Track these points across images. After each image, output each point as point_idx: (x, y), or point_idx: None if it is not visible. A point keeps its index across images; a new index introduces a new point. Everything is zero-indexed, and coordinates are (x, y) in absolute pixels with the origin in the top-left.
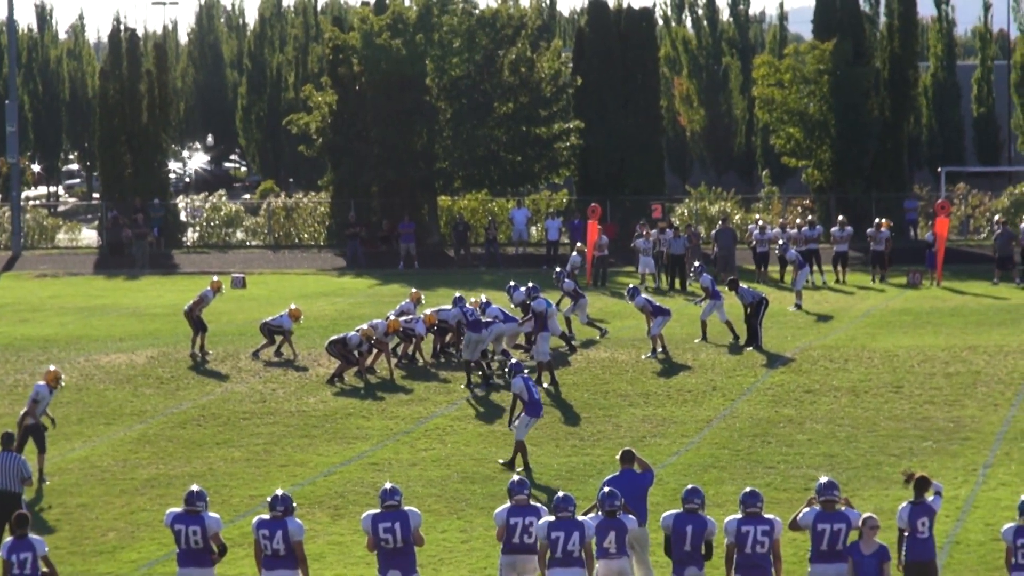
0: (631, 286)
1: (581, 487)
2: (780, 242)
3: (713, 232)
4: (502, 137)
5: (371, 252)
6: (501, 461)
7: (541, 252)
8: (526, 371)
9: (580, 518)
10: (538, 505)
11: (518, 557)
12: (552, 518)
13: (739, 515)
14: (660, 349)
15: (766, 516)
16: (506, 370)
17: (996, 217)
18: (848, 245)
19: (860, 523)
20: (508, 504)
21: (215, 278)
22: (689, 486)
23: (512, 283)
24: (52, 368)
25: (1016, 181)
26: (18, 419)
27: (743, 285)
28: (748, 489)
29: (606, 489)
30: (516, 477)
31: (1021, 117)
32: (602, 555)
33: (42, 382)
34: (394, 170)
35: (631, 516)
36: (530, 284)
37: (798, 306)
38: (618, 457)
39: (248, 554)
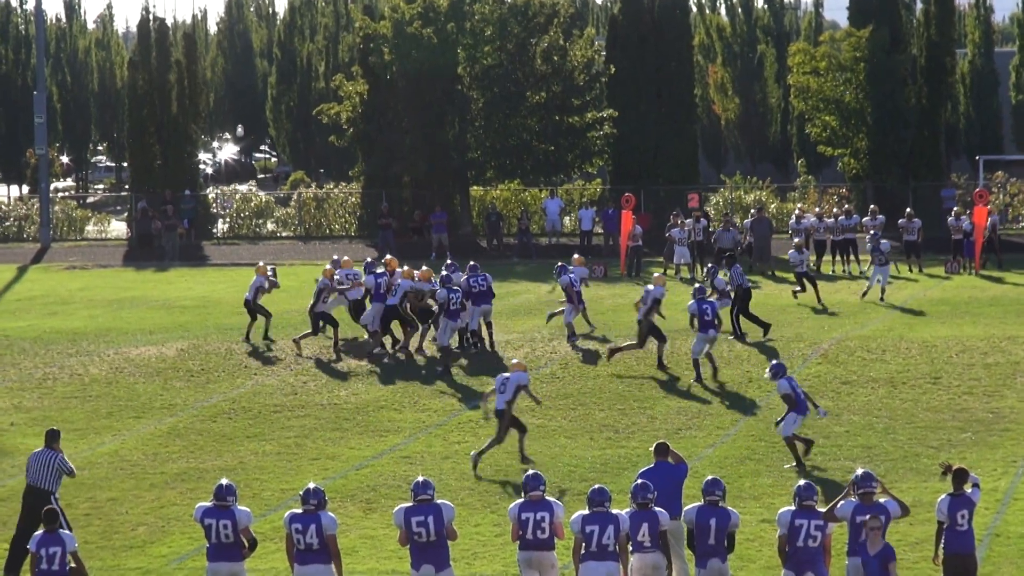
0: (559, 264)
1: (616, 480)
2: (871, 232)
3: (747, 221)
4: (535, 126)
5: (403, 243)
6: (792, 465)
7: (575, 242)
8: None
9: (614, 511)
10: (551, 500)
11: (533, 554)
12: (586, 511)
13: (793, 507)
14: (573, 335)
15: (820, 510)
16: (767, 371)
17: (989, 206)
18: (880, 234)
19: (863, 522)
20: (520, 500)
21: (328, 266)
22: (709, 477)
23: (561, 264)
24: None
25: None
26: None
27: (737, 266)
28: (804, 482)
29: (639, 481)
30: (531, 471)
31: None
32: (636, 548)
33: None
34: (426, 160)
35: (662, 509)
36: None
37: (881, 299)
38: (652, 449)
39: (279, 548)
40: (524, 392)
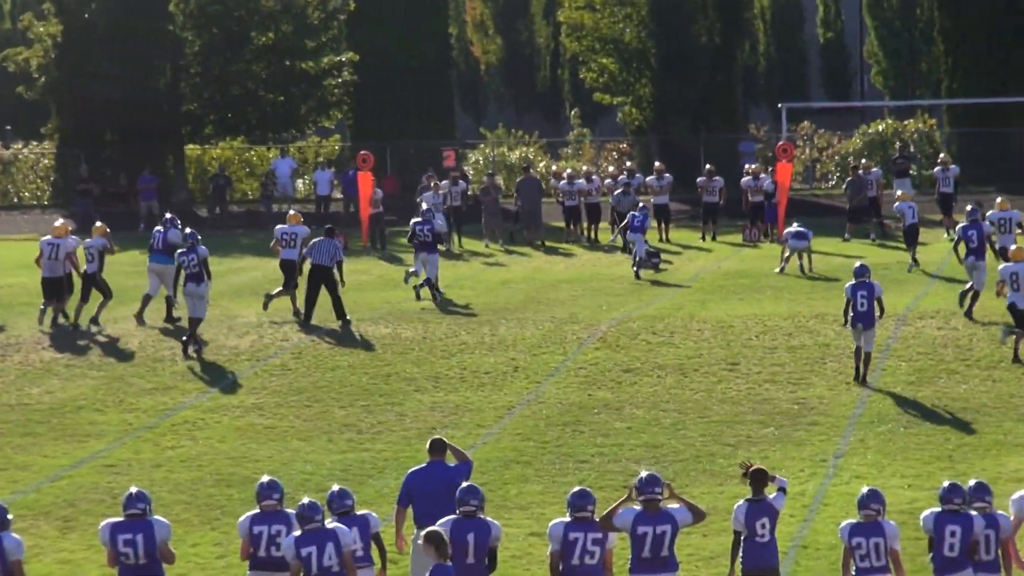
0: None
1: (359, 489)
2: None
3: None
4: (261, 73)
5: (106, 212)
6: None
7: (310, 209)
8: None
9: (331, 526)
10: (289, 511)
11: (264, 575)
12: (301, 530)
13: (567, 518)
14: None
15: (594, 521)
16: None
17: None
18: (668, 196)
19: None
20: (253, 511)
21: (99, 223)
22: (464, 484)
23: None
24: None
25: (869, 119)
26: None
27: (333, 240)
28: (578, 488)
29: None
30: (266, 478)
31: (875, 43)
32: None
33: None
34: (132, 114)
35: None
36: None
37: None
38: (427, 447)
39: None
40: None
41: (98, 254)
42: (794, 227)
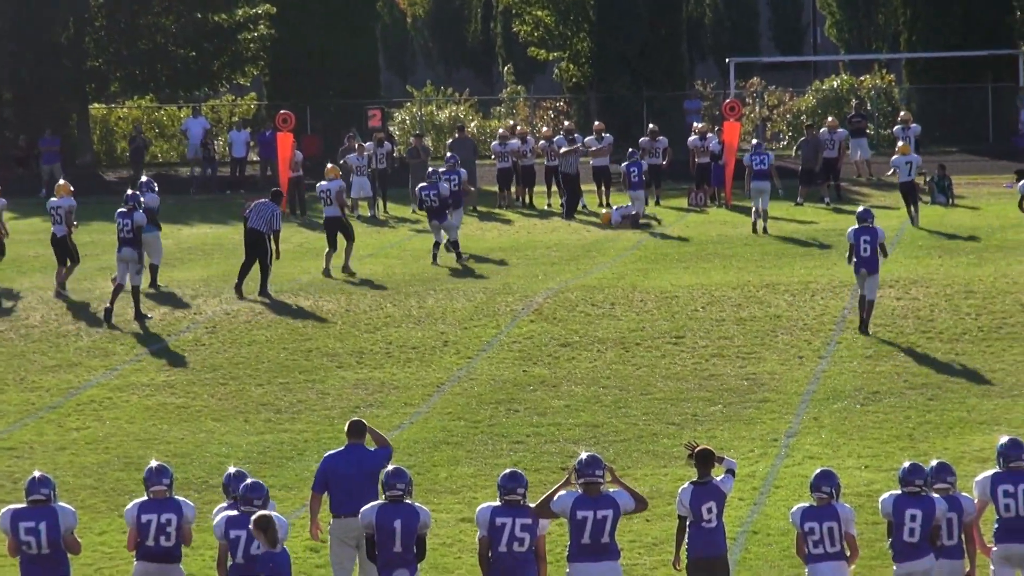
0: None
1: (278, 472)
2: None
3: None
4: (171, 26)
5: (4, 177)
6: None
7: (225, 173)
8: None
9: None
10: (180, 499)
11: (152, 566)
12: (496, 503)
13: (495, 503)
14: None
15: (525, 505)
16: None
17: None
18: (609, 158)
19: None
20: (141, 499)
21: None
22: (391, 467)
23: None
24: None
25: (823, 74)
26: None
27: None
28: (509, 471)
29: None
30: (155, 463)
31: None
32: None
33: None
34: (32, 71)
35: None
36: None
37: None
38: (346, 430)
39: None
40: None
41: (66, 215)
42: (752, 152)
